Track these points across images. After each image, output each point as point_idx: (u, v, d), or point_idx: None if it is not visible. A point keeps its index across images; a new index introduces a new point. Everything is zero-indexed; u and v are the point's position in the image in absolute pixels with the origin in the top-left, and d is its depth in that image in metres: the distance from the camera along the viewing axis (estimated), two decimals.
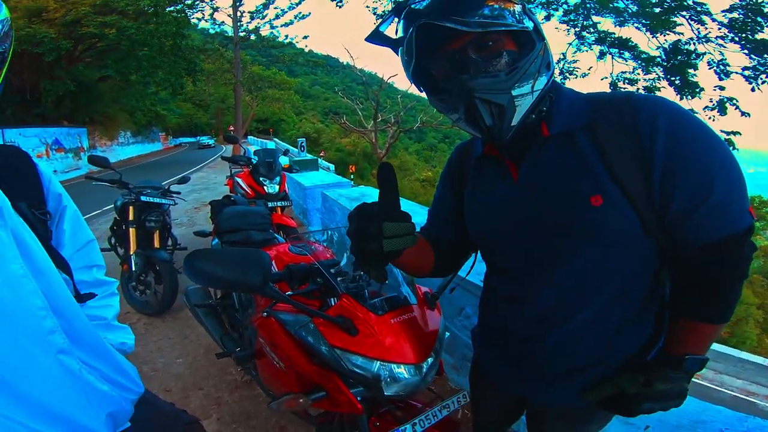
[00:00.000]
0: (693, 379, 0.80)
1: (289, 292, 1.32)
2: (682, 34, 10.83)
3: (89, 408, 0.85)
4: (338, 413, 1.26)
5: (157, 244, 3.21)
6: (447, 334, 1.24)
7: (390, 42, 0.81)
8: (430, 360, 1.09)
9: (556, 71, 0.85)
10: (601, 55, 12.30)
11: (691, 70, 10.92)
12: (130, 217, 3.09)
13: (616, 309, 0.81)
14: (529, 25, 0.72)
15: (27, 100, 15.76)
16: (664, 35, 10.97)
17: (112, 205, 3.44)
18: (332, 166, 14.66)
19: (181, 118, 38.82)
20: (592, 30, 12.11)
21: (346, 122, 25.45)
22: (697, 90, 10.87)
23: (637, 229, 0.74)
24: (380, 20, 0.81)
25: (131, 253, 3.08)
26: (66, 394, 0.81)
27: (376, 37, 0.82)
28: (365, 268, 0.76)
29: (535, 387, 0.93)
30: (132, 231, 3.09)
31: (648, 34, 11.16)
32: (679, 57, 10.91)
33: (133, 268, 3.08)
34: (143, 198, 3.12)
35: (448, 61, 0.76)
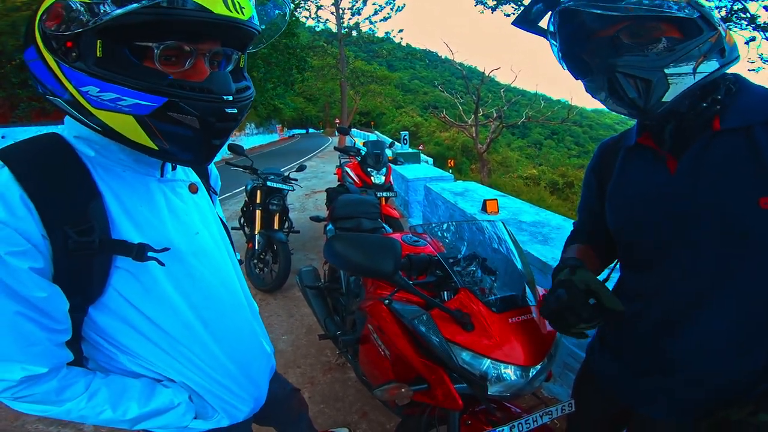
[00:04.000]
0: None
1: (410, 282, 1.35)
2: None
3: (260, 364, 0.98)
4: (428, 406, 1.25)
5: (276, 226, 3.53)
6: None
7: (538, 29, 0.83)
8: (540, 365, 1.03)
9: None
10: (752, 40, 10.36)
11: None
12: (258, 200, 3.44)
13: (755, 327, 0.73)
14: (692, 13, 0.69)
15: None
16: None
17: (240, 189, 3.89)
18: (431, 160, 14.63)
19: (295, 112, 42.36)
20: (742, 15, 10.21)
21: (446, 116, 25.09)
22: None
23: None
24: (527, 5, 0.82)
25: (256, 232, 3.41)
26: (252, 352, 0.94)
27: (523, 23, 0.84)
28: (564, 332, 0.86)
29: (647, 395, 0.88)
30: (258, 213, 3.42)
31: None
32: None
33: (256, 247, 3.39)
34: (269, 183, 3.45)
35: (601, 47, 0.76)
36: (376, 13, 21.58)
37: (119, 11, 0.53)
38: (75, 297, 0.65)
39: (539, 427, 1.03)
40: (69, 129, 0.68)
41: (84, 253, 0.63)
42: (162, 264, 0.69)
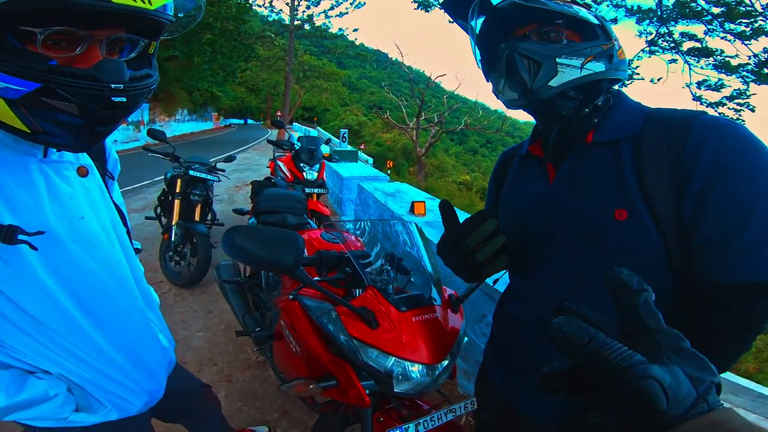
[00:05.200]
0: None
1: (317, 278, 1.33)
2: None
3: (155, 356, 0.95)
4: (343, 404, 1.27)
5: (197, 218, 3.35)
6: (465, 339, 1.23)
7: (461, 18, 0.86)
8: (444, 362, 1.07)
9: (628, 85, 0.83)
10: (672, 62, 11.69)
11: None
12: (177, 189, 3.23)
13: None
14: (591, 19, 0.75)
15: None
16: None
17: (161, 177, 3.62)
18: (371, 160, 14.72)
19: (234, 101, 40.32)
20: (668, 38, 11.46)
21: (389, 118, 25.47)
22: None
23: (659, 253, 0.70)
24: None
25: (173, 223, 3.21)
26: (145, 344, 0.91)
27: (449, 8, 0.89)
28: (483, 275, 0.88)
29: (527, 396, 0.92)
30: (177, 202, 3.22)
31: (738, 41, 10.30)
32: None
33: (173, 239, 3.21)
34: (191, 172, 3.26)
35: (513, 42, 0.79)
36: (333, 7, 21.16)
37: None
38: None
39: (447, 424, 1.08)
40: None
41: None
42: (34, 248, 0.65)
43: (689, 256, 0.68)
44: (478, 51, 0.87)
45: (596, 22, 0.76)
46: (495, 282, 1.10)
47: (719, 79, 11.22)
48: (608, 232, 0.72)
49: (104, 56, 0.62)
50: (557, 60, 0.73)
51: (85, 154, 0.83)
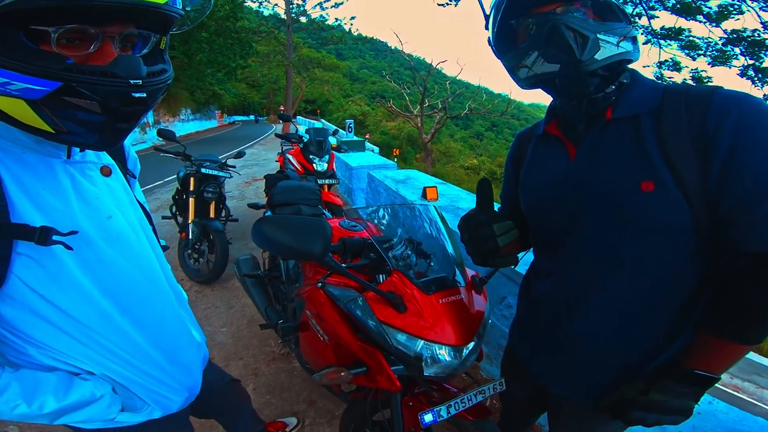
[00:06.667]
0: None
1: (342, 265, 1.35)
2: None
3: (190, 352, 0.96)
4: (371, 391, 1.28)
5: (212, 215, 3.38)
6: (489, 320, 1.23)
7: None
8: (471, 344, 1.07)
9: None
10: (646, 43, 11.47)
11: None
12: (191, 188, 3.25)
13: (644, 307, 0.78)
14: (615, 2, 0.77)
15: None
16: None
17: (173, 177, 3.65)
18: (377, 149, 14.68)
19: (236, 98, 40.35)
20: (637, 20, 11.17)
21: (393, 106, 25.29)
22: None
23: (687, 224, 0.70)
24: None
25: (189, 221, 3.23)
26: (180, 340, 0.93)
27: None
28: (492, 263, 0.94)
29: (555, 375, 0.94)
30: (191, 201, 3.25)
31: (708, 24, 10.04)
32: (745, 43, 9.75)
33: (190, 237, 3.23)
34: (204, 170, 3.27)
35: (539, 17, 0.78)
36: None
37: None
38: None
39: (476, 405, 1.09)
40: None
41: None
42: (69, 248, 0.65)
43: (718, 225, 0.69)
44: (494, 29, 0.85)
45: (619, 5, 0.78)
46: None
47: (673, 56, 11.06)
48: (635, 205, 0.73)
49: (118, 53, 0.63)
50: (598, 36, 0.73)
51: (105, 153, 0.83)
